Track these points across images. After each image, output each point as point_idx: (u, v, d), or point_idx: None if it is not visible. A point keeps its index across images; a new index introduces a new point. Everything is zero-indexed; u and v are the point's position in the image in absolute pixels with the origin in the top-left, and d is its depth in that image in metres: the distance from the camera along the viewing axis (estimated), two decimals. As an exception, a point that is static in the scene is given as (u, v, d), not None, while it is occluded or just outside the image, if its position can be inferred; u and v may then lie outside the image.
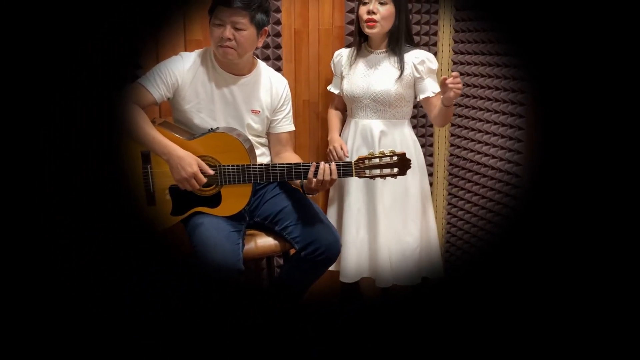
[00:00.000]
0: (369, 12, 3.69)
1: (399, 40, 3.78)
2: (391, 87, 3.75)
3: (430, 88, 3.80)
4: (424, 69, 3.78)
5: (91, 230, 3.09)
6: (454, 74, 3.44)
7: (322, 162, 3.16)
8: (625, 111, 2.65)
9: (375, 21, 3.68)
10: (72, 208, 2.99)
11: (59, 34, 2.78)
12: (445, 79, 3.43)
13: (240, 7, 3.11)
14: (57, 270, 2.94)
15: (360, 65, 3.91)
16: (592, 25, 2.68)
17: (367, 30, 3.75)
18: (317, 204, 3.60)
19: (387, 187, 3.85)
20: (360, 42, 3.93)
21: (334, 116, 4.16)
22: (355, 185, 3.88)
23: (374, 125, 3.86)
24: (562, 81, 3.22)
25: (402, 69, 3.75)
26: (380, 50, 3.86)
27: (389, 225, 3.90)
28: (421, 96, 3.84)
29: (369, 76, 3.83)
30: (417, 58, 3.77)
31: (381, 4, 3.67)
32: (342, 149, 3.84)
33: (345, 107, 4.13)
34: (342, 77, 3.98)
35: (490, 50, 4.09)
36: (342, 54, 4.04)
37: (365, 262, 3.95)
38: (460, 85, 3.44)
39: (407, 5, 3.83)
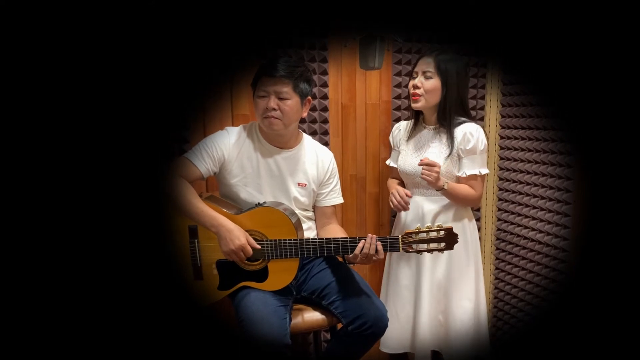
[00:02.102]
0: (414, 87, 3.69)
1: (446, 115, 3.72)
2: (441, 167, 3.67)
3: (464, 168, 3.74)
4: (464, 147, 3.72)
5: (140, 305, 3.10)
6: (424, 160, 3.50)
7: (369, 237, 3.13)
8: None
9: (418, 95, 3.68)
10: (121, 283, 3.01)
11: (108, 109, 2.82)
12: (423, 162, 3.50)
13: (283, 76, 3.15)
14: (107, 346, 2.95)
15: (415, 141, 3.89)
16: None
17: (412, 105, 3.74)
18: (363, 276, 3.58)
19: (439, 262, 3.79)
20: (417, 116, 3.91)
21: (393, 181, 4.09)
22: (404, 259, 3.85)
23: (426, 202, 3.83)
24: (610, 155, 3.21)
25: (452, 147, 3.70)
26: (431, 126, 3.83)
27: (437, 302, 3.83)
28: (456, 174, 3.79)
29: (420, 155, 3.79)
30: (462, 133, 3.71)
31: (426, 78, 3.66)
32: (405, 194, 3.72)
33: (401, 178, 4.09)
34: (399, 151, 3.97)
35: (537, 125, 4.09)
36: (401, 128, 4.03)
37: (408, 337, 3.92)
38: (428, 174, 3.49)
39: (458, 78, 3.75)
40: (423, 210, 3.82)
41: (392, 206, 3.77)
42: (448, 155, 3.70)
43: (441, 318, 3.85)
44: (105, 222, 2.91)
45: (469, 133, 3.70)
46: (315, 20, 3.64)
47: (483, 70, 4.54)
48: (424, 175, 3.50)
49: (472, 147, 3.70)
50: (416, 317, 3.84)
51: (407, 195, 3.71)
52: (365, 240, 3.13)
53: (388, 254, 3.99)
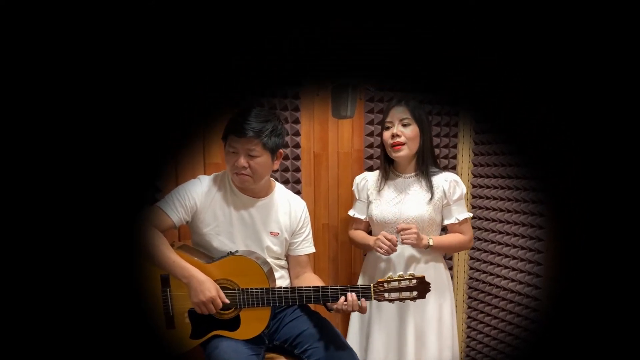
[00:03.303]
0: (393, 136, 3.72)
1: (425, 162, 3.79)
2: (425, 212, 3.73)
3: (455, 214, 3.80)
4: (452, 195, 3.77)
5: (112, 354, 3.12)
6: (407, 226, 3.56)
7: (350, 296, 3.17)
8: None
9: (401, 143, 3.71)
10: (93, 331, 3.02)
11: (80, 156, 2.86)
12: (400, 230, 3.55)
13: (252, 137, 3.18)
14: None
15: (389, 190, 3.90)
16: (610, 151, 2.76)
17: (394, 155, 3.76)
18: (336, 325, 3.59)
19: (420, 310, 3.81)
20: (387, 166, 3.92)
21: (361, 232, 4.08)
22: (387, 306, 3.84)
23: (405, 249, 3.82)
24: (581, 205, 3.28)
25: (432, 193, 3.75)
26: (408, 174, 3.86)
27: (422, 349, 3.83)
28: (445, 222, 3.84)
29: (399, 202, 3.82)
30: (447, 182, 3.77)
31: (404, 125, 3.71)
32: (390, 239, 3.66)
33: (368, 230, 4.09)
34: (368, 202, 3.97)
35: (509, 174, 4.18)
36: (367, 178, 4.02)
37: None
38: (407, 237, 3.53)
39: (430, 126, 3.85)
40: (404, 257, 3.84)
41: (380, 252, 3.73)
42: (429, 202, 3.74)
43: None
44: (77, 270, 2.93)
45: (454, 181, 3.78)
46: (288, 71, 3.69)
47: (455, 119, 4.63)
48: (405, 241, 3.54)
49: (460, 194, 3.78)
50: None
51: (392, 240, 3.68)
52: (345, 298, 3.17)
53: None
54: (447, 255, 4.63)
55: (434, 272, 3.77)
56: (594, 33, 2.75)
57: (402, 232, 3.55)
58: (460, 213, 3.80)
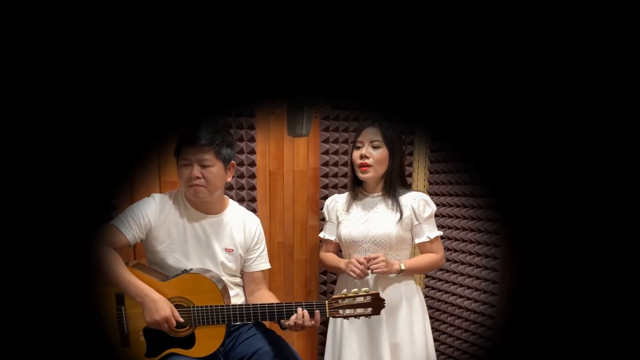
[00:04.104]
0: (362, 157, 3.77)
1: (392, 184, 3.83)
2: (392, 230, 3.76)
3: (427, 233, 3.82)
4: (422, 213, 3.80)
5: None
6: (375, 256, 3.59)
7: (300, 311, 3.22)
8: (599, 253, 2.79)
9: (368, 165, 3.76)
10: (47, 351, 3.04)
11: (34, 175, 2.88)
12: (369, 262, 3.58)
13: (204, 145, 3.25)
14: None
15: (357, 209, 3.94)
16: (561, 165, 2.84)
17: (360, 175, 3.81)
18: (291, 343, 3.64)
19: (392, 329, 3.82)
20: (355, 186, 3.97)
21: (331, 254, 4.09)
22: (355, 327, 3.85)
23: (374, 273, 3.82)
24: (535, 221, 3.36)
25: (401, 212, 3.78)
26: (376, 194, 3.90)
27: None
28: (416, 240, 3.86)
29: (367, 220, 3.85)
30: (415, 200, 3.80)
31: (374, 147, 3.76)
32: (361, 262, 3.68)
33: (337, 252, 4.12)
34: (338, 223, 4.00)
35: (465, 191, 4.25)
36: (337, 200, 4.07)
37: None
38: (377, 266, 3.56)
39: (401, 148, 3.89)
40: (374, 282, 3.84)
41: (353, 276, 3.74)
42: (398, 221, 3.77)
43: None
44: (30, 288, 2.96)
45: (423, 200, 3.82)
46: (242, 89, 3.73)
47: (411, 137, 4.70)
48: (375, 271, 3.57)
49: (430, 212, 3.82)
50: None
51: (363, 264, 3.70)
52: (297, 313, 3.21)
53: (332, 320, 3.99)
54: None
55: (405, 288, 3.82)
56: (559, 55, 2.85)
57: (370, 262, 3.59)
58: (432, 231, 3.84)
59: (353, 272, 3.70)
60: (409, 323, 3.83)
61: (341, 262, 3.89)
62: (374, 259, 3.58)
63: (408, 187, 3.96)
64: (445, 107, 3.97)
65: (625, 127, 2.39)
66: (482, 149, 3.83)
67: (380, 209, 3.86)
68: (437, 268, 4.10)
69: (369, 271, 3.67)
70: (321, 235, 4.14)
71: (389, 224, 3.78)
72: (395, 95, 4.01)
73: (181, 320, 3.19)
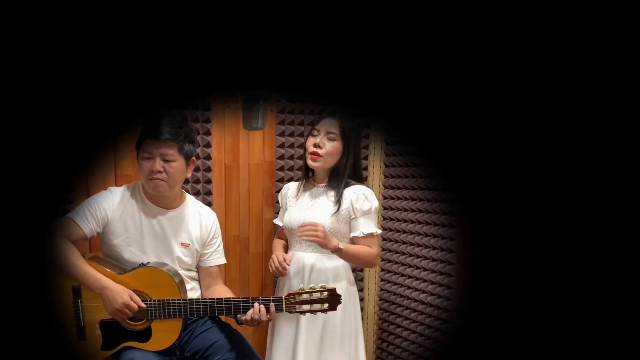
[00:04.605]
0: (315, 145, 3.82)
1: (339, 177, 3.86)
2: (326, 221, 3.79)
3: (361, 228, 3.85)
4: (360, 208, 3.83)
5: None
6: (307, 223, 3.64)
7: (257, 306, 3.27)
8: (553, 254, 2.86)
9: (319, 155, 3.81)
10: (2, 345, 3.05)
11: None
12: (299, 227, 3.64)
13: (168, 139, 3.27)
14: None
15: (303, 198, 4.00)
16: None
17: (309, 162, 3.87)
18: (247, 336, 3.64)
19: (315, 322, 3.86)
20: (307, 174, 4.04)
21: (278, 241, 4.21)
22: (286, 317, 3.89)
23: (307, 258, 3.91)
24: (491, 215, 3.42)
25: (339, 205, 3.82)
26: (322, 184, 3.96)
27: None
28: (351, 234, 3.90)
29: (307, 209, 3.91)
30: (355, 194, 3.84)
31: (329, 139, 3.81)
32: (284, 259, 3.82)
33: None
34: (286, 209, 4.08)
35: (421, 185, 4.30)
36: (290, 187, 4.15)
37: None
38: (308, 233, 3.61)
39: (357, 141, 3.94)
40: (304, 267, 3.90)
41: (270, 270, 3.87)
42: (334, 213, 3.82)
43: None
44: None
45: (363, 194, 3.85)
46: (198, 82, 3.73)
47: (366, 130, 4.74)
48: (305, 236, 3.62)
49: (368, 208, 3.84)
50: None
51: (286, 261, 3.82)
52: (253, 308, 3.26)
53: None
54: (357, 267, 4.73)
55: (338, 287, 3.83)
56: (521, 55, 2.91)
57: (301, 227, 3.64)
58: (367, 227, 3.87)
59: (270, 266, 3.84)
60: (340, 320, 3.91)
61: (275, 251, 4.02)
62: (309, 225, 3.63)
63: (361, 181, 4.00)
64: (401, 100, 4.01)
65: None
66: (437, 143, 3.88)
67: (321, 200, 3.92)
68: (370, 266, 4.15)
69: (310, 255, 3.83)
70: (274, 221, 4.24)
71: (324, 215, 3.83)
72: (351, 89, 4.04)
73: (142, 305, 3.21)
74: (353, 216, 3.86)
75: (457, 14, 3.02)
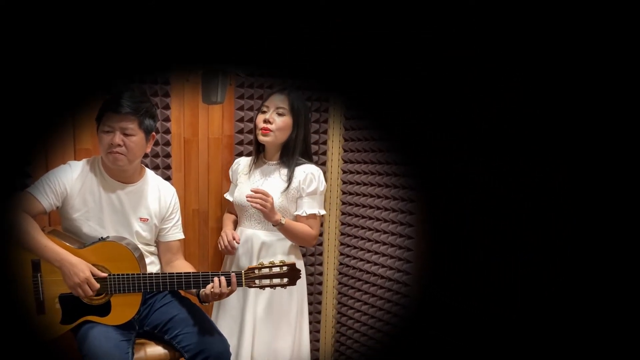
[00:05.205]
0: (265, 121, 3.87)
1: (291, 153, 3.94)
2: (275, 199, 3.84)
3: (304, 207, 3.95)
4: (306, 187, 3.92)
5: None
6: (259, 190, 3.69)
7: (218, 279, 3.31)
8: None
9: (269, 130, 3.86)
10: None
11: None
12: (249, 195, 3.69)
13: (129, 113, 3.29)
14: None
15: (254, 174, 4.05)
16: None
17: (260, 138, 3.91)
18: (206, 311, 3.71)
19: (262, 297, 3.94)
20: (259, 151, 4.08)
21: (228, 217, 4.27)
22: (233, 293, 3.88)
23: (257, 235, 3.98)
24: (450, 190, 3.48)
25: (289, 183, 3.90)
26: (273, 162, 4.01)
27: (258, 336, 3.97)
28: (295, 212, 3.99)
29: (258, 187, 3.90)
30: (304, 173, 3.92)
31: (279, 114, 3.86)
32: (233, 238, 3.91)
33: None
34: (236, 185, 4.12)
35: (380, 159, 4.32)
36: (240, 162, 4.20)
37: None
38: (258, 201, 3.66)
39: (307, 118, 3.99)
40: (253, 244, 3.98)
41: (219, 248, 3.96)
42: (284, 190, 3.90)
43: (263, 353, 3.99)
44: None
45: (311, 174, 3.92)
46: (157, 55, 3.73)
47: (325, 104, 4.77)
48: (254, 203, 3.67)
49: (314, 188, 3.92)
50: (239, 350, 3.97)
51: (235, 239, 3.90)
52: (213, 282, 3.30)
53: None
54: (316, 243, 4.77)
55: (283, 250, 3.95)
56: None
57: (253, 191, 3.69)
58: (310, 207, 3.97)
59: (219, 243, 3.93)
60: (287, 298, 4.01)
61: (223, 228, 4.11)
62: (264, 194, 3.69)
63: (310, 159, 4.06)
64: (360, 75, 4.04)
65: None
66: (396, 117, 3.92)
67: (273, 178, 3.99)
68: (307, 245, 4.19)
69: (259, 233, 3.90)
70: (225, 195, 4.29)
71: (274, 193, 3.87)
72: (310, 63, 4.07)
73: (103, 274, 3.25)
74: (299, 195, 3.94)
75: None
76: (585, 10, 2.59)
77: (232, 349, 3.82)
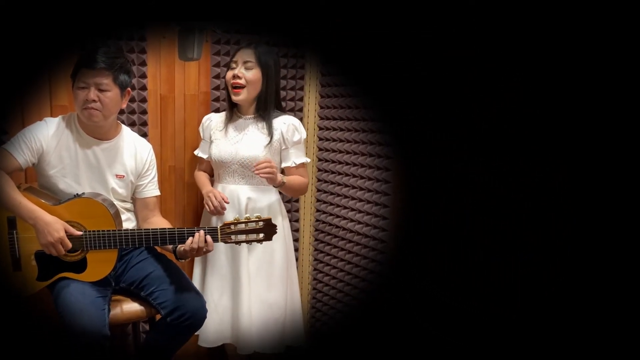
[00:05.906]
0: (234, 77, 3.91)
1: (267, 106, 3.98)
2: (259, 153, 3.92)
3: (293, 158, 4.03)
4: (290, 139, 3.98)
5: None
6: (263, 160, 3.76)
7: (198, 233, 3.34)
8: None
9: (241, 86, 3.90)
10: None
11: None
12: (255, 165, 3.74)
13: (103, 68, 3.31)
14: None
15: (230, 130, 4.08)
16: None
17: (233, 98, 3.96)
18: (182, 267, 3.76)
19: (253, 254, 4.00)
20: (232, 107, 4.10)
21: (202, 175, 4.30)
22: (221, 249, 4.01)
23: (242, 191, 4.03)
24: (426, 146, 3.52)
25: (271, 136, 3.94)
26: (248, 116, 4.05)
27: (253, 292, 4.03)
28: (283, 164, 4.05)
29: (237, 142, 4.00)
30: (285, 125, 3.97)
31: (247, 68, 3.89)
32: (223, 198, 3.91)
33: (212, 171, 4.28)
34: (211, 142, 4.14)
35: (356, 116, 4.36)
36: (212, 119, 4.22)
37: (228, 328, 4.08)
38: (266, 171, 3.72)
39: (276, 70, 4.03)
40: (240, 199, 4.03)
41: (207, 210, 3.98)
42: (267, 144, 3.94)
43: (258, 308, 4.06)
44: None
45: (292, 124, 3.98)
46: (132, 12, 3.73)
47: (302, 61, 4.80)
48: (264, 175, 3.73)
49: (298, 138, 3.99)
50: (234, 308, 4.05)
51: (224, 200, 3.92)
52: (193, 237, 3.34)
53: None
54: (293, 198, 4.86)
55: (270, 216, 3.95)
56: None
57: (258, 165, 3.74)
58: (298, 157, 4.05)
59: (208, 205, 3.94)
60: (270, 251, 4.07)
61: (204, 188, 4.12)
62: (265, 162, 3.74)
63: (282, 110, 4.13)
64: (335, 30, 4.07)
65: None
66: (372, 74, 3.96)
67: (251, 131, 4.03)
68: (303, 193, 4.35)
69: (225, 206, 3.91)
70: (195, 152, 4.30)
71: (258, 147, 3.95)
72: (286, 18, 4.09)
73: (78, 233, 3.28)
74: (284, 147, 4.00)
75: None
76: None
77: (227, 307, 4.02)
